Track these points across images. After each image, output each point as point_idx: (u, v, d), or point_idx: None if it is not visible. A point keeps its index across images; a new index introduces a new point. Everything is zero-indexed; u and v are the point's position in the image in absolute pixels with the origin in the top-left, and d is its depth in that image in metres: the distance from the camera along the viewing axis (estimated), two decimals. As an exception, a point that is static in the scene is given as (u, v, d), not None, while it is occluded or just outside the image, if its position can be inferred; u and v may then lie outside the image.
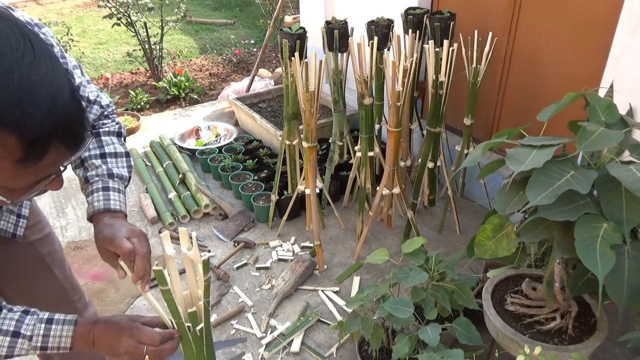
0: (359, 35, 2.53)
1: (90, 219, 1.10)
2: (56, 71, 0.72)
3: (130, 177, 1.20)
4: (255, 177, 2.99)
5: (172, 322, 1.04)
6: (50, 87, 0.69)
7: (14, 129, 0.67)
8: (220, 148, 3.38)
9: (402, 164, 2.65)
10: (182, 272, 2.45)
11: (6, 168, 0.70)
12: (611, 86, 1.80)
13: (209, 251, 2.57)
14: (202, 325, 1.03)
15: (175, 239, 2.66)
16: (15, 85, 0.66)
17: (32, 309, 0.96)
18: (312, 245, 2.57)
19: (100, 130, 1.18)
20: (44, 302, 1.33)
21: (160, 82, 4.54)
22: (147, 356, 0.97)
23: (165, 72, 4.95)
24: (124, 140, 1.24)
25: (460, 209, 2.76)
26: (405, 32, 2.65)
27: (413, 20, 2.58)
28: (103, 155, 1.15)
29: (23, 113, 0.66)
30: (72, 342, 0.96)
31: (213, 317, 2.17)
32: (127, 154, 1.21)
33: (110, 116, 1.20)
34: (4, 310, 0.94)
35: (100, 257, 1.06)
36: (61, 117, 0.71)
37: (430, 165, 2.56)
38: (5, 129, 0.66)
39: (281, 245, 2.62)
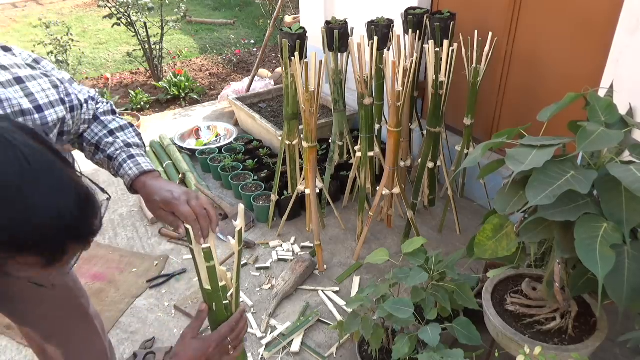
0: (359, 35, 2.53)
1: (130, 188, 1.14)
2: (58, 181, 0.72)
3: (144, 144, 1.24)
4: (255, 177, 2.99)
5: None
6: (55, 203, 0.70)
7: (31, 251, 0.70)
8: (220, 148, 3.38)
9: (402, 164, 2.66)
10: (182, 272, 2.45)
11: (35, 273, 0.75)
12: (611, 86, 1.80)
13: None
14: (232, 290, 1.09)
15: (174, 239, 2.66)
16: (22, 213, 0.68)
17: None
18: (312, 245, 2.57)
19: (98, 113, 1.21)
20: (51, 300, 1.35)
21: (160, 82, 4.54)
22: (231, 348, 1.06)
23: (165, 72, 4.95)
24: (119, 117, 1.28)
25: (460, 209, 2.76)
26: (405, 32, 2.65)
27: (413, 20, 2.58)
28: (111, 133, 1.19)
29: (35, 236, 0.69)
30: None
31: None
32: (131, 124, 1.24)
33: (99, 100, 1.24)
34: None
35: (155, 217, 1.11)
36: (71, 227, 0.73)
37: (430, 165, 2.56)
38: (23, 253, 0.70)
39: (281, 245, 2.62)
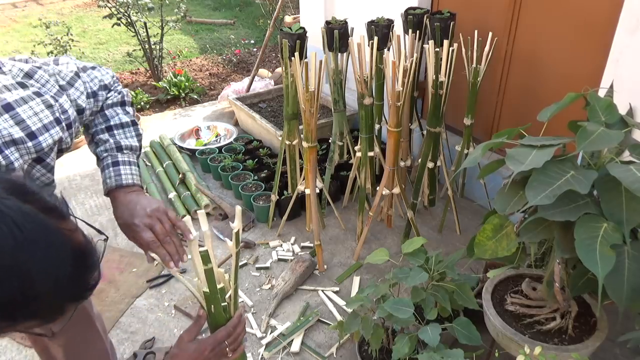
0: (359, 35, 2.53)
1: (106, 195, 1.12)
2: (53, 247, 0.69)
3: (141, 146, 1.20)
4: (255, 177, 2.99)
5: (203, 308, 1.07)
6: (52, 271, 0.68)
7: (29, 319, 0.70)
8: (220, 148, 3.38)
9: (402, 164, 2.65)
10: (181, 272, 2.45)
11: (35, 330, 0.73)
12: (611, 86, 1.80)
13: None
14: (230, 292, 1.06)
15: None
16: (19, 286, 0.65)
17: None
18: (312, 245, 2.57)
19: (104, 104, 1.17)
20: None
21: (160, 82, 4.54)
22: (229, 351, 1.05)
23: (165, 72, 4.94)
24: (131, 107, 1.22)
25: (460, 209, 2.76)
26: (405, 32, 2.65)
27: (413, 20, 2.58)
28: (109, 129, 1.15)
29: (33, 307, 0.68)
30: None
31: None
32: (134, 122, 1.20)
33: (112, 87, 1.19)
34: None
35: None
36: (68, 290, 0.71)
37: (430, 165, 2.56)
38: (22, 322, 0.69)
39: (281, 245, 2.62)
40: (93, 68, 1.16)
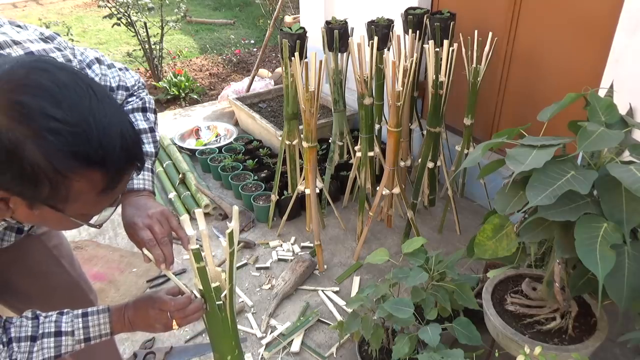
0: (359, 35, 2.53)
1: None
2: (116, 107, 0.81)
3: (157, 152, 1.22)
4: (255, 177, 2.99)
5: (194, 294, 1.08)
6: (117, 124, 0.79)
7: (100, 167, 0.77)
8: (220, 148, 3.38)
9: (402, 164, 2.65)
10: (181, 272, 2.45)
11: (91, 199, 0.80)
12: (611, 86, 1.80)
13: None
14: (225, 291, 1.07)
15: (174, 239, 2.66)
16: (94, 129, 0.75)
17: (66, 310, 1.02)
18: (312, 245, 2.57)
19: (126, 108, 1.19)
20: (60, 297, 1.37)
21: (160, 82, 4.54)
22: (174, 321, 1.03)
23: (165, 72, 4.95)
24: (153, 113, 1.25)
25: (460, 209, 2.76)
26: (405, 32, 2.65)
27: (413, 20, 2.58)
28: None
29: (104, 152, 0.76)
30: (112, 327, 1.03)
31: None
32: (152, 129, 1.22)
33: (135, 93, 1.21)
34: (41, 317, 0.99)
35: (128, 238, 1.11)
36: (130, 147, 0.81)
37: (430, 165, 2.56)
38: (93, 168, 0.76)
39: (281, 245, 2.62)
40: (120, 69, 1.19)
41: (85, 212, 0.85)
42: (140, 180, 1.15)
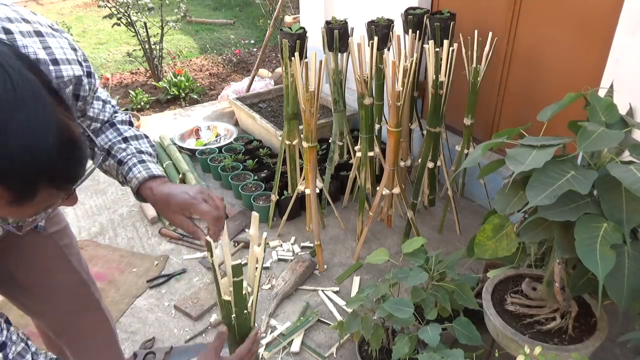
0: (359, 35, 2.53)
1: (137, 193, 1.13)
2: (40, 115, 0.67)
3: (157, 155, 1.23)
4: (255, 177, 2.99)
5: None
6: (30, 135, 0.66)
7: (1, 182, 0.67)
8: (220, 148, 3.38)
9: (402, 164, 2.65)
10: (182, 272, 2.44)
11: (2, 207, 0.70)
12: (611, 86, 1.80)
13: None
14: (252, 300, 1.07)
15: (174, 239, 2.66)
16: None
17: None
18: (312, 245, 2.57)
19: (115, 120, 1.20)
20: (66, 295, 1.37)
21: (160, 82, 4.54)
22: None
23: (165, 72, 4.95)
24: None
25: (460, 209, 2.76)
26: (405, 32, 2.65)
27: (413, 20, 2.58)
28: (125, 140, 1.18)
29: (3, 164, 0.65)
30: None
31: (213, 317, 2.17)
32: (146, 136, 1.24)
33: (117, 110, 1.24)
34: None
35: (170, 222, 1.09)
36: (43, 166, 0.68)
37: (430, 165, 2.56)
38: None
39: (281, 245, 2.62)
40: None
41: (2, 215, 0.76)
42: (157, 169, 1.15)
